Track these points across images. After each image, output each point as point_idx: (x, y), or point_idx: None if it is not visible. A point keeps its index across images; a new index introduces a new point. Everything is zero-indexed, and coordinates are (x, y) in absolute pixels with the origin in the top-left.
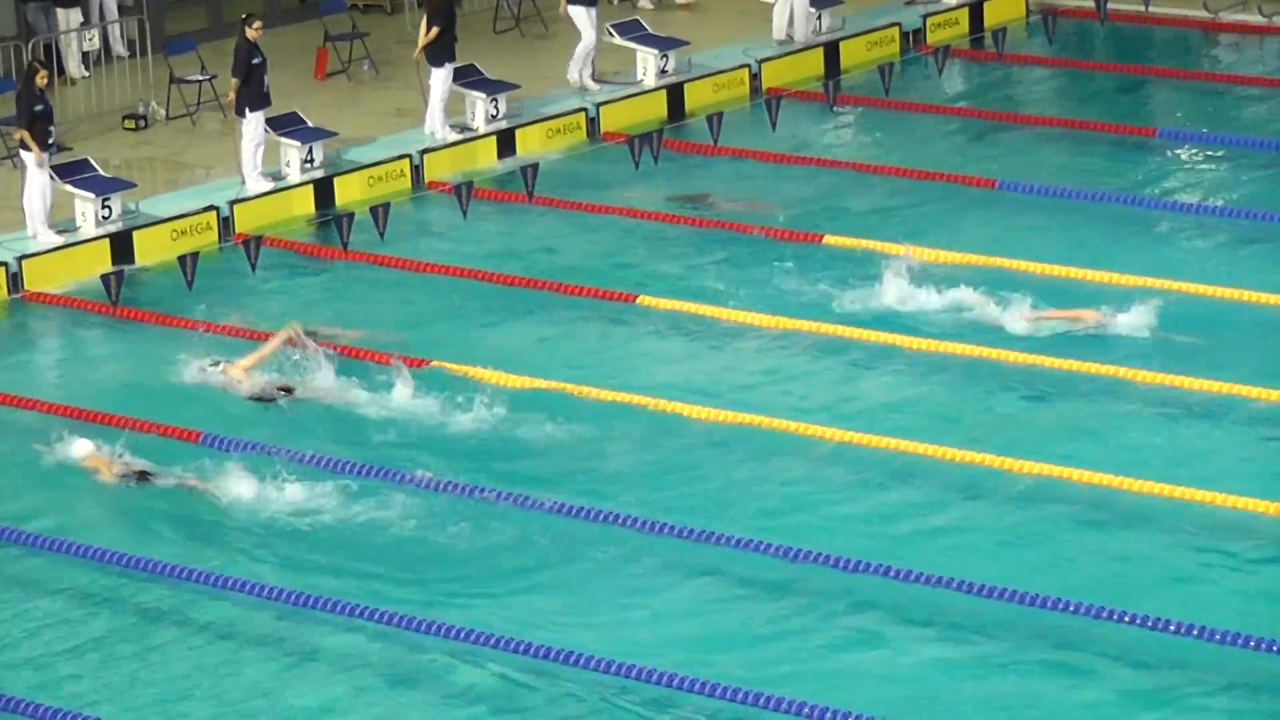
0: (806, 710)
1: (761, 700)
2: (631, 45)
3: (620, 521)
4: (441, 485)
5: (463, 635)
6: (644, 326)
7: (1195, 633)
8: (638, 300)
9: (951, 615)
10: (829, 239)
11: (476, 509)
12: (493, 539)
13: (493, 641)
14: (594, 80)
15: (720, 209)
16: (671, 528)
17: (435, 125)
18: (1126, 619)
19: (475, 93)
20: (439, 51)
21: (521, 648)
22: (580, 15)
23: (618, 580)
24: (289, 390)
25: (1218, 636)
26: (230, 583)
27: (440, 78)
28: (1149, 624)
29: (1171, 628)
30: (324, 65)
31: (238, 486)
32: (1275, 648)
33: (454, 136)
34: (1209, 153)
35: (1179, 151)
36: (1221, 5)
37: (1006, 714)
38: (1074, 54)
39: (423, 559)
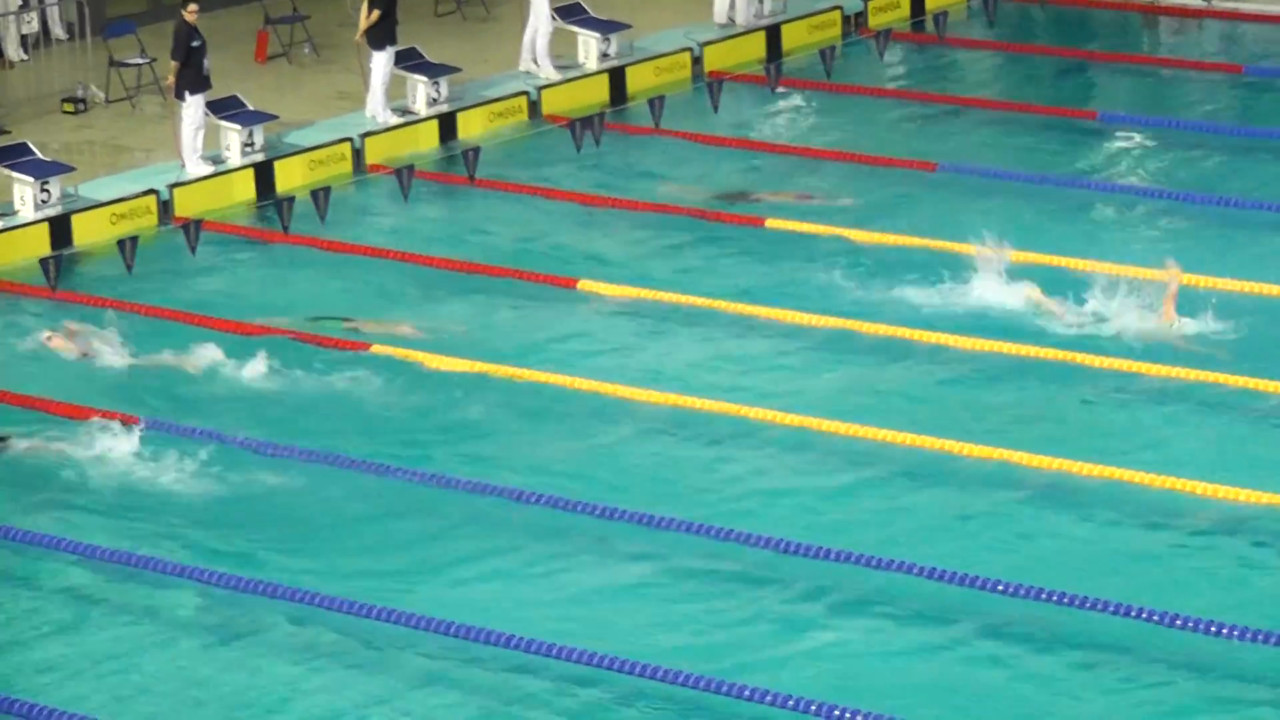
0: (748, 693)
1: (703, 683)
2: (574, 29)
3: (555, 504)
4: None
5: (389, 617)
6: (584, 310)
7: (1153, 618)
8: (578, 285)
9: (890, 598)
10: (770, 222)
11: (410, 491)
12: (435, 523)
13: (415, 622)
14: (551, 64)
15: (764, 203)
16: (607, 509)
17: (376, 109)
18: (1067, 600)
19: (417, 76)
20: (380, 35)
21: (449, 628)
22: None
23: (551, 562)
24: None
25: (1168, 619)
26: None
27: (381, 61)
28: (1098, 607)
29: (1139, 614)
30: (265, 48)
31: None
32: (1221, 630)
33: (395, 120)
34: (1149, 136)
35: (1120, 134)
36: None
37: (953, 696)
38: (1015, 37)
39: (324, 532)
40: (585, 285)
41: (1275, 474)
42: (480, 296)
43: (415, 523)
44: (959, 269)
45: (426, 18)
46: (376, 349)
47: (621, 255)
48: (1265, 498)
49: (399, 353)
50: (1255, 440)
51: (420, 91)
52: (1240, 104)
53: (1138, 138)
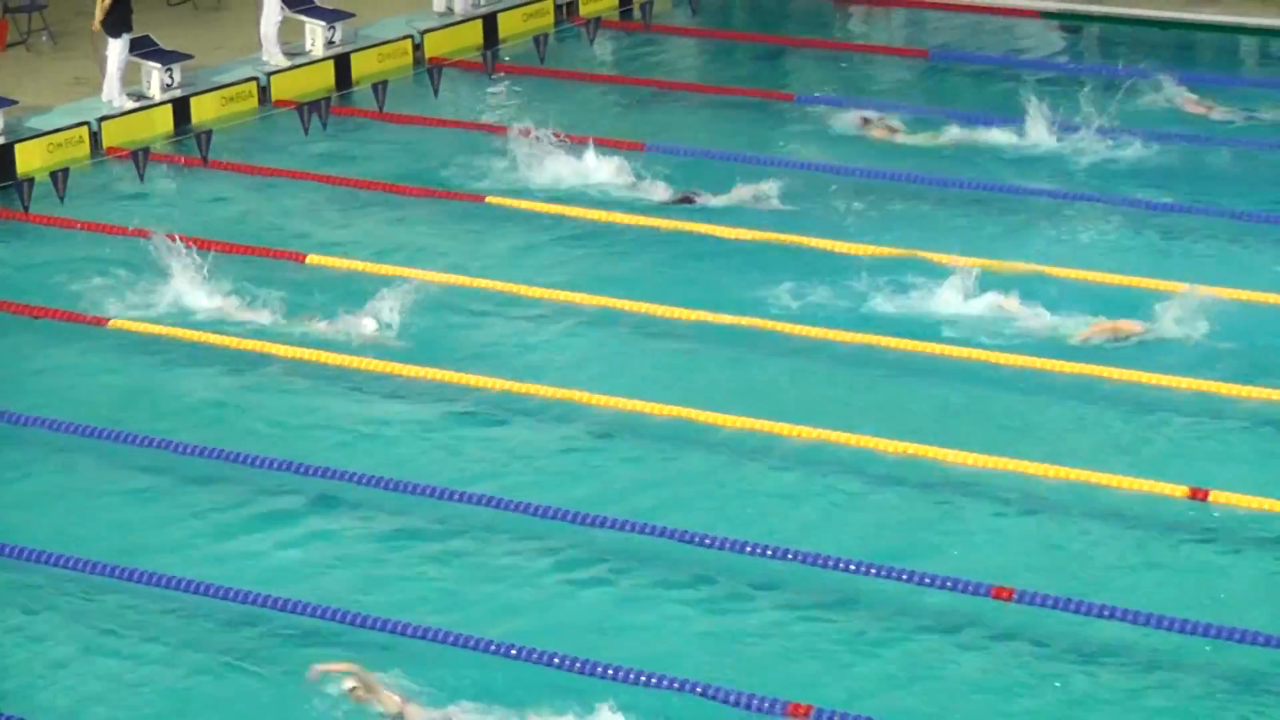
0: (644, 678)
1: (599, 670)
2: (301, 17)
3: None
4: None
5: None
6: (315, 282)
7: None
8: (306, 260)
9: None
10: (491, 199)
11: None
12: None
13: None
14: (279, 51)
15: (707, 203)
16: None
17: (113, 94)
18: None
19: (151, 63)
20: (116, 23)
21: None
22: (114, 44)
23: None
24: None
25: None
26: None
27: (117, 48)
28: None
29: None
30: (3, 36)
31: None
32: (1073, 607)
33: (131, 105)
34: (843, 116)
35: (816, 114)
36: None
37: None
38: (716, 25)
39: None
40: (313, 259)
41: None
42: (213, 269)
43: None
44: (677, 243)
45: (160, 7)
46: (113, 324)
47: (347, 231)
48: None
49: (141, 327)
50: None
51: (154, 77)
52: (926, 86)
53: (832, 117)
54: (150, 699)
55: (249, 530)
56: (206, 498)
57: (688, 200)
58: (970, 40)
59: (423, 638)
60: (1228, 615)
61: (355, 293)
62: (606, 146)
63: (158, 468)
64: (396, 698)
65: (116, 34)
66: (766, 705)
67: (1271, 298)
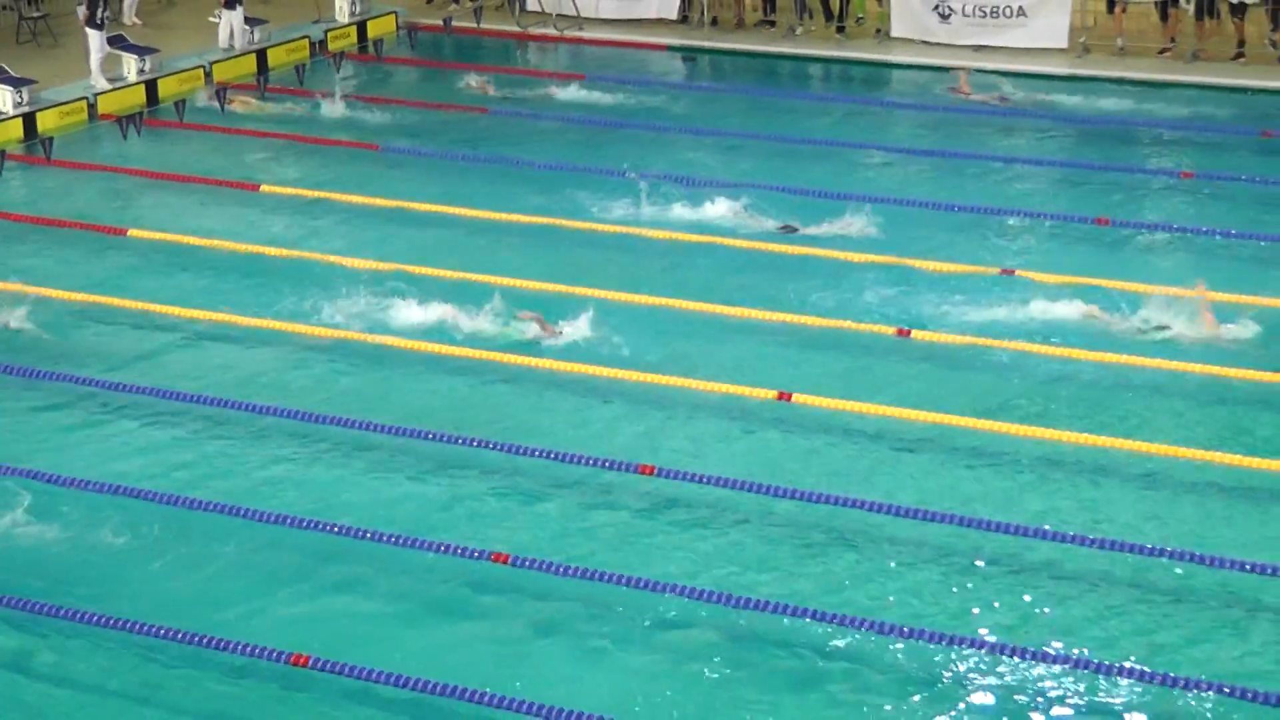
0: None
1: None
2: (119, 52)
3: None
4: None
5: None
6: (137, 255)
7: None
8: (128, 233)
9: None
10: (264, 188)
11: None
12: None
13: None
14: (103, 78)
15: (802, 233)
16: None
17: None
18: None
19: (5, 86)
20: None
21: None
22: (93, 35)
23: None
24: None
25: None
26: None
27: None
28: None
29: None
30: None
31: None
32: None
33: None
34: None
35: (512, 120)
36: (529, 22)
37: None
38: (432, 56)
39: None
40: (135, 232)
41: None
42: (50, 243)
43: None
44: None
45: (10, 44)
46: None
47: (162, 212)
48: None
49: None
50: None
51: (8, 97)
52: (582, 98)
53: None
54: None
55: None
56: None
57: (790, 229)
58: (615, 65)
59: None
60: None
61: (174, 261)
62: (344, 148)
63: None
64: None
65: None
66: None
67: None
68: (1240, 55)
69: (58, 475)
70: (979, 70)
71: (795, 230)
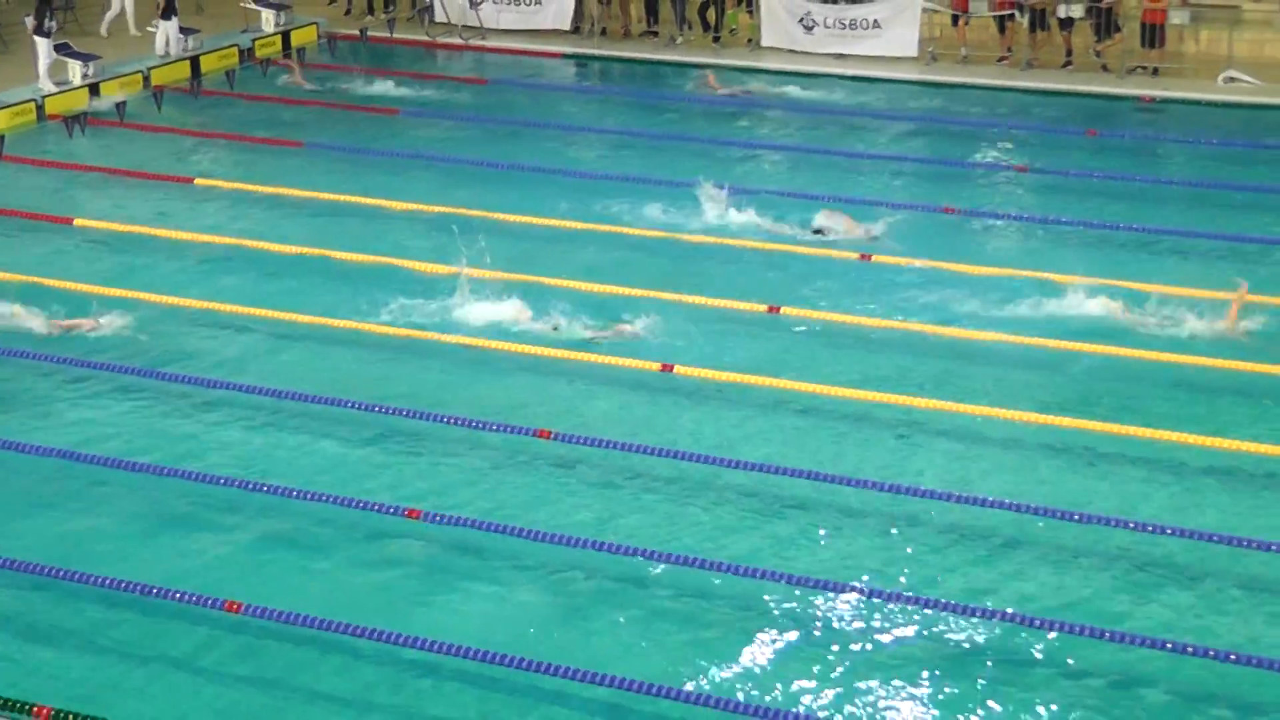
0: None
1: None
2: (65, 58)
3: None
4: None
5: None
6: (80, 238)
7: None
8: (74, 222)
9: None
10: (198, 181)
11: None
12: None
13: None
14: (50, 82)
15: (834, 234)
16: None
17: None
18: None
19: None
20: None
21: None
22: (41, 43)
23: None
24: None
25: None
26: None
27: None
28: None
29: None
30: None
31: None
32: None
33: None
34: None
35: (419, 123)
36: (438, 32)
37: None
38: (350, 62)
39: None
40: (80, 221)
41: None
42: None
43: None
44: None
45: None
46: None
47: (106, 203)
48: None
49: None
50: None
51: None
52: (488, 99)
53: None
54: None
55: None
56: None
57: (820, 233)
58: (513, 70)
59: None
60: None
61: (109, 252)
62: (271, 145)
63: None
64: None
65: None
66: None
67: None
68: (1069, 64)
69: None
70: (839, 76)
71: (824, 234)
